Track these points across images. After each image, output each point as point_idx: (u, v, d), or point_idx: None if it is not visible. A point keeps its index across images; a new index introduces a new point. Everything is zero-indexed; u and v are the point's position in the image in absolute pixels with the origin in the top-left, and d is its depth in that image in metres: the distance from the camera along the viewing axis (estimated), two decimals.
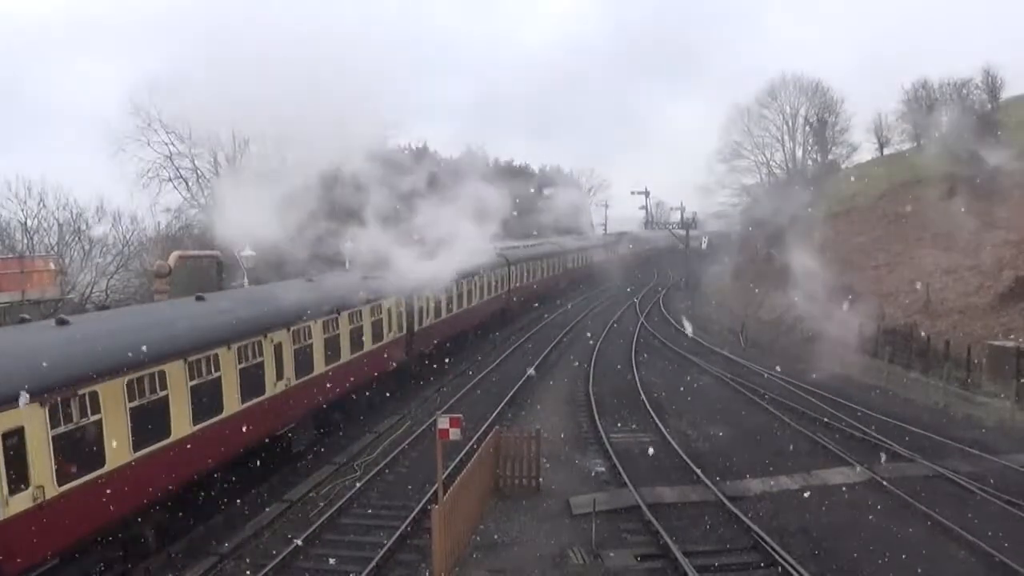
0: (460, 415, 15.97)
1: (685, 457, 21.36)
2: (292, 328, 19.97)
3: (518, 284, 49.23)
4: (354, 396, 24.66)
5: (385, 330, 26.58)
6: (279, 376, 19.29)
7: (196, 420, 15.86)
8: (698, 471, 20.11)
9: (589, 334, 43.70)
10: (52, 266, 30.80)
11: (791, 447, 22.58)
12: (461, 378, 32.61)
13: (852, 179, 62.72)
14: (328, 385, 21.96)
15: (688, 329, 47.18)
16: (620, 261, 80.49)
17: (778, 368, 34.20)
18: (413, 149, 66.48)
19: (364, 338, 24.71)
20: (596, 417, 25.71)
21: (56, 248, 39.11)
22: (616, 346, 40.84)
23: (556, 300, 59.39)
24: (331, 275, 25.76)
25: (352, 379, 23.80)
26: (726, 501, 18.00)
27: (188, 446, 15.50)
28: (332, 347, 22.44)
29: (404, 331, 28.55)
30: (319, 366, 21.55)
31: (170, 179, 54.20)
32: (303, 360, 20.56)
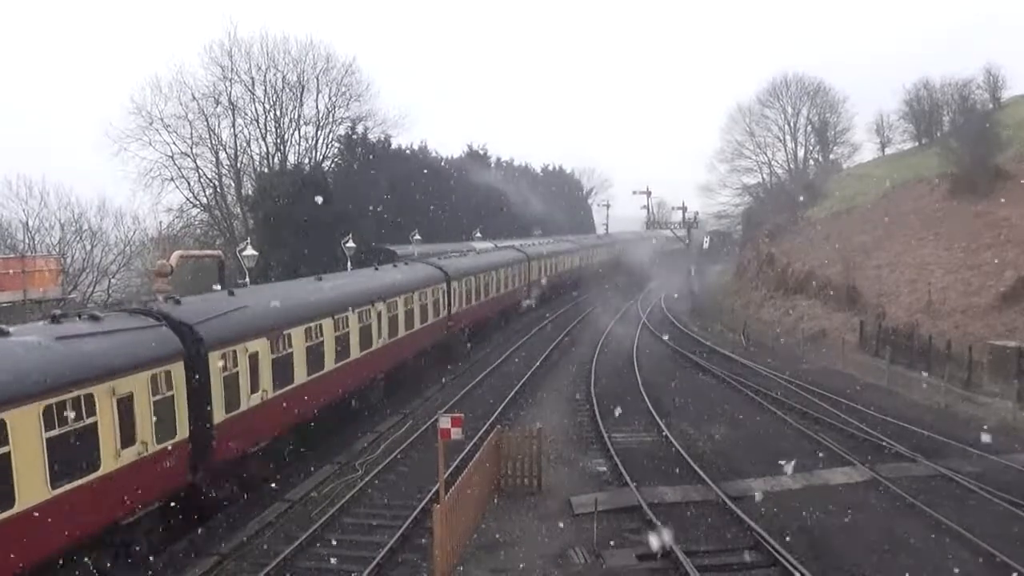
0: (461, 414, 15.97)
1: (687, 456, 21.35)
2: None
3: (462, 307, 37.12)
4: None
5: (116, 446, 13.75)
6: None
7: None
8: (700, 470, 20.12)
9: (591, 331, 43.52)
10: (54, 265, 30.84)
11: (793, 447, 22.54)
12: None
13: (854, 178, 62.76)
14: None
15: (692, 330, 47.20)
16: (594, 271, 70.34)
17: (780, 368, 34.20)
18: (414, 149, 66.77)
19: (21, 481, 11.69)
20: (597, 416, 25.70)
21: (58, 247, 39.21)
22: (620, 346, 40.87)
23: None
24: None
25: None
26: (728, 501, 17.99)
27: None
28: None
29: (183, 433, 15.84)
30: None
31: (172, 179, 54.45)
32: None
